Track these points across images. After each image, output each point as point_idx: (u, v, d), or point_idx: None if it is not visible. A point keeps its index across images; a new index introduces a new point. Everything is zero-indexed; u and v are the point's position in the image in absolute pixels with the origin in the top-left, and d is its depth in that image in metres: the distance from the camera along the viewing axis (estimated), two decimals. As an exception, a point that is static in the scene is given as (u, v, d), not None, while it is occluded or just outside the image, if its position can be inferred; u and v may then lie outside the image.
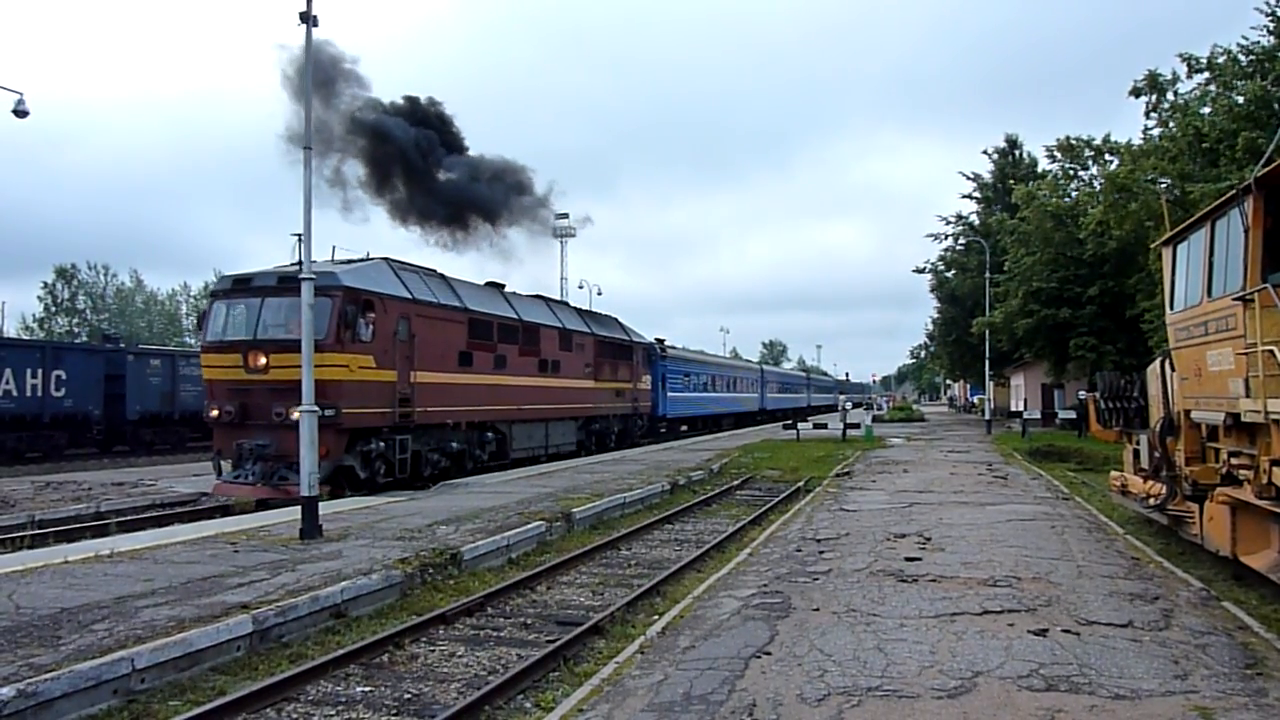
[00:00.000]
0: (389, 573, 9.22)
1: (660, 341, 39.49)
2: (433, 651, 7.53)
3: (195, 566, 9.29)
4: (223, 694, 6.25)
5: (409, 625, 7.97)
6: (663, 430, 38.19)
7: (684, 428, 43.61)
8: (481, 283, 23.45)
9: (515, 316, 22.95)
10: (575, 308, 29.53)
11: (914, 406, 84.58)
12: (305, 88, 12.03)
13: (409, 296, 18.08)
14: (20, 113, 21.23)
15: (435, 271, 20.57)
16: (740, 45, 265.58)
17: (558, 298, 28.83)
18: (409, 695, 6.48)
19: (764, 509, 15.98)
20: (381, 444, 17.12)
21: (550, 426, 24.98)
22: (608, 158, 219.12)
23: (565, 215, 64.28)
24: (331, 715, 6.10)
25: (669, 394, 37.94)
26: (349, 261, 18.20)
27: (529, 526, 12.31)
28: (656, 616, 8.03)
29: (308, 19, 11.78)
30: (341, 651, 7.14)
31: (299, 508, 11.44)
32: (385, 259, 18.70)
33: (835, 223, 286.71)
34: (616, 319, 32.64)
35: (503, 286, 24.13)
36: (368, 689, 6.61)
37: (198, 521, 12.98)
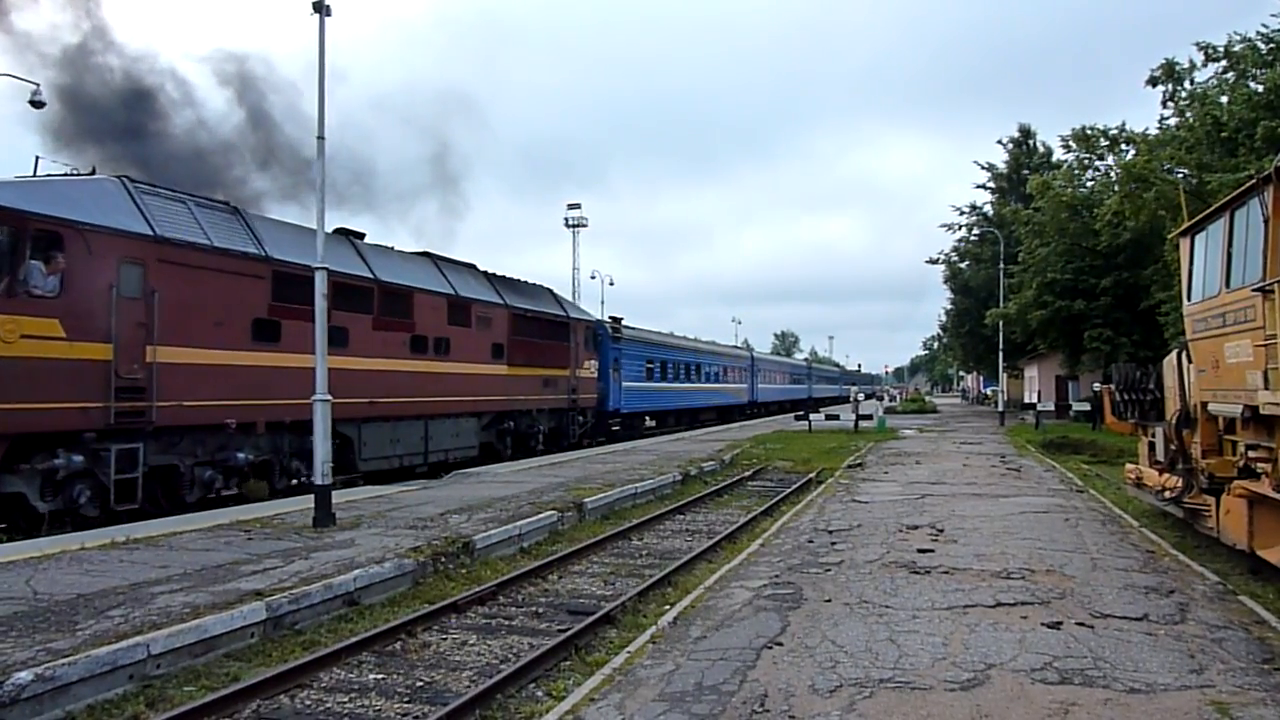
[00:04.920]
0: (401, 561, 9.26)
1: (615, 320, 33.19)
2: (445, 640, 7.56)
3: (210, 553, 9.35)
4: (237, 680, 6.29)
5: (421, 613, 7.99)
6: (615, 428, 31.29)
7: (650, 423, 37.40)
8: (329, 230, 17.70)
9: (368, 275, 17.07)
10: (485, 272, 22.94)
11: (926, 398, 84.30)
12: (319, 80, 11.99)
13: (149, 233, 12.48)
14: (37, 103, 21.31)
15: (225, 204, 14.93)
16: (716, 43, 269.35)
17: (466, 260, 22.33)
18: (421, 683, 6.50)
19: (775, 500, 15.96)
20: (80, 457, 11.53)
21: (433, 426, 18.92)
22: (595, 152, 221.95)
23: (577, 205, 64.73)
24: (344, 702, 6.13)
25: (625, 383, 31.39)
26: (50, 176, 12.74)
27: (541, 516, 12.34)
28: (668, 606, 8.03)
29: (320, 9, 11.78)
30: (354, 639, 7.17)
31: (312, 495, 11.51)
32: (121, 176, 13.14)
33: (828, 216, 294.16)
34: (549, 290, 26.81)
35: (361, 236, 18.37)
36: (380, 676, 6.64)
37: (211, 509, 13.05)
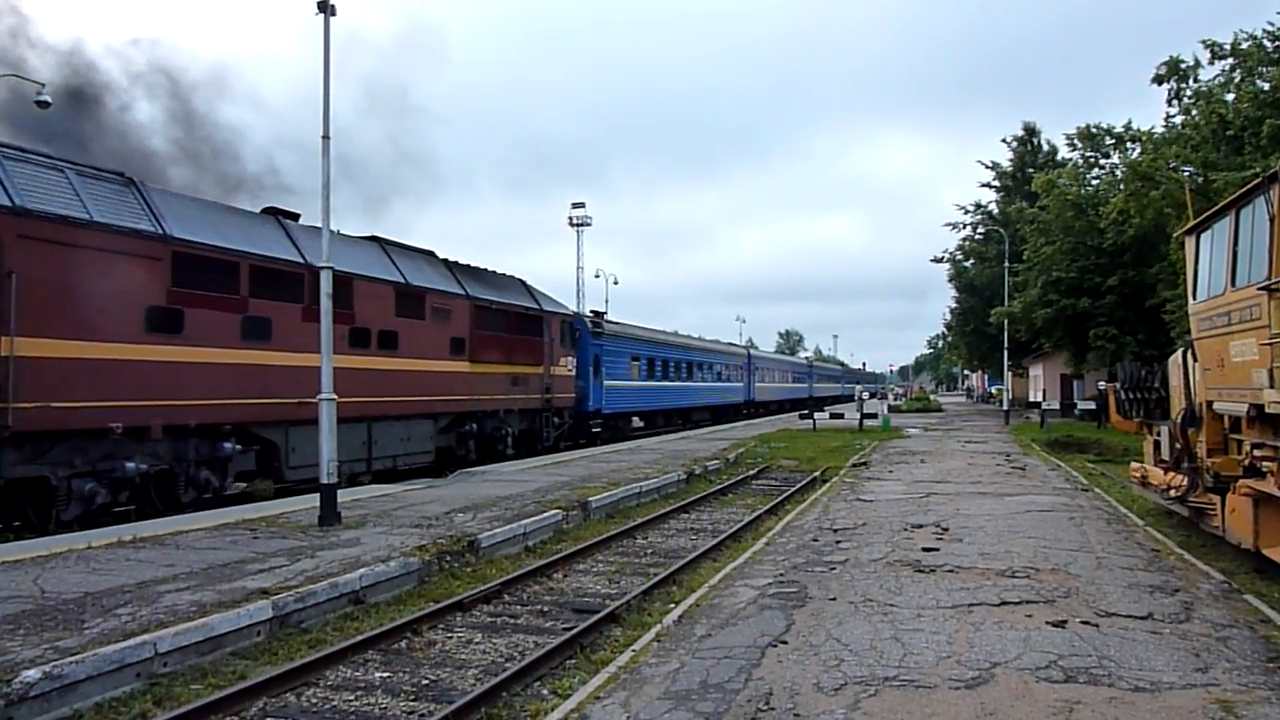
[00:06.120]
0: (407, 560, 9.28)
1: (597, 314, 31.53)
2: (450, 638, 7.58)
3: (216, 552, 9.39)
4: (243, 678, 6.31)
5: (427, 612, 8.02)
6: (596, 430, 29.04)
7: (638, 424, 35.32)
8: (256, 210, 16.35)
9: (298, 260, 15.28)
10: (445, 260, 21.16)
11: (931, 397, 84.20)
12: (324, 78, 12.01)
13: (6, 204, 10.86)
14: (42, 104, 21.30)
15: (119, 175, 13.09)
16: (712, 43, 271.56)
17: (424, 247, 20.73)
18: (427, 681, 6.52)
19: (780, 499, 15.97)
20: None
21: (377, 429, 17.12)
22: (594, 151, 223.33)
23: (582, 204, 64.76)
24: (350, 700, 6.16)
25: (607, 382, 29.59)
26: None
27: (546, 515, 12.35)
28: (673, 605, 8.05)
29: (325, 8, 11.80)
30: (360, 637, 7.20)
31: (318, 495, 11.54)
32: None
33: (829, 215, 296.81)
34: (520, 280, 24.73)
35: (295, 217, 16.57)
36: (386, 674, 6.66)
37: (218, 508, 13.07)
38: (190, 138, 20.62)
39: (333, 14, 11.84)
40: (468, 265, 22.16)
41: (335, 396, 11.76)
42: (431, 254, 20.86)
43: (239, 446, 14.15)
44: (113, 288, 12.01)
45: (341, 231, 17.83)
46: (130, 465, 12.26)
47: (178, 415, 12.88)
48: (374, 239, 19.05)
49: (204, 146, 20.85)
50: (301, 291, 15.26)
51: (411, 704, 6.10)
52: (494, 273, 23.53)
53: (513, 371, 22.50)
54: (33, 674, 5.51)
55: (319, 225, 17.27)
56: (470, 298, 20.76)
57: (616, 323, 33.64)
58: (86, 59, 20.92)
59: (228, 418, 13.80)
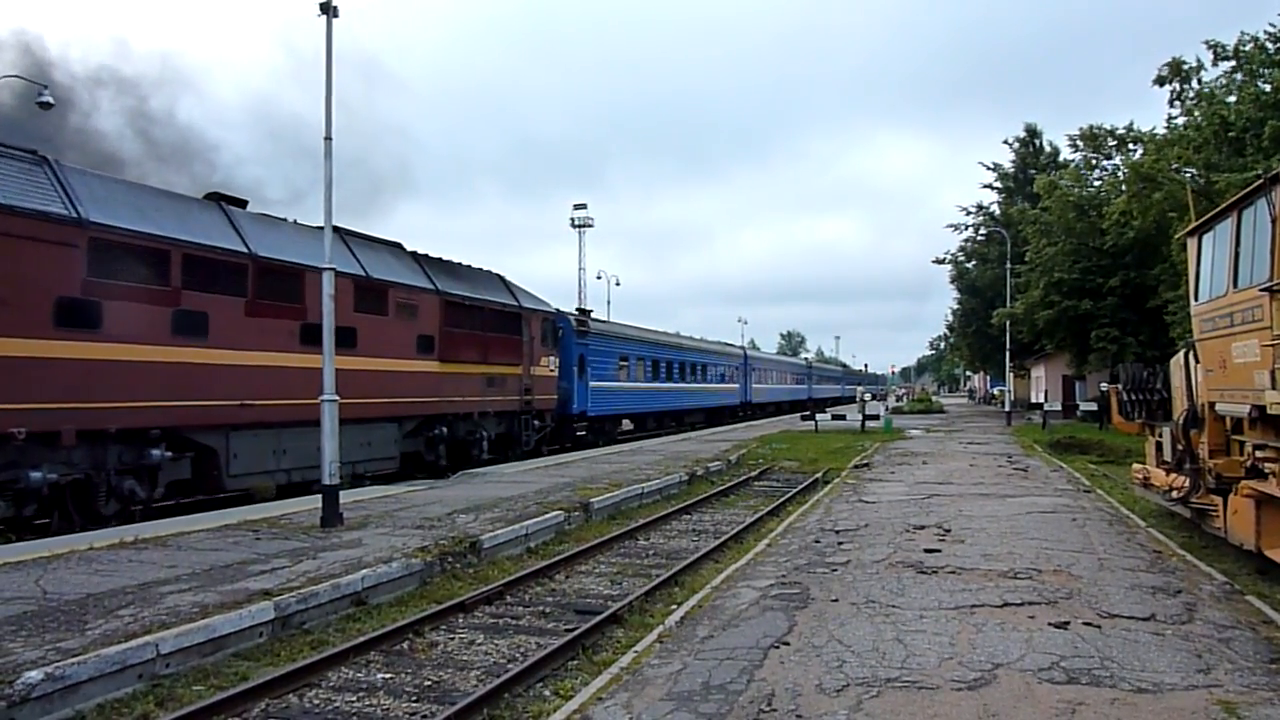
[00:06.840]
0: (409, 561, 9.28)
1: (583, 312, 30.37)
2: (452, 639, 7.58)
3: (218, 553, 9.40)
4: (245, 679, 6.31)
5: (429, 613, 8.02)
6: (581, 433, 27.93)
7: (627, 426, 34.33)
8: (199, 195, 15.06)
9: (240, 250, 14.06)
10: (414, 252, 19.83)
11: (933, 398, 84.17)
12: (326, 80, 12.03)
13: None
14: (44, 104, 21.32)
15: (30, 153, 11.82)
16: (710, 45, 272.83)
17: (390, 239, 19.51)
18: (429, 682, 6.53)
19: (782, 500, 15.96)
20: None
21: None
22: (593, 153, 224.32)
23: (583, 205, 64.74)
24: (353, 701, 6.16)
25: (593, 383, 28.50)
26: None
27: (547, 516, 12.36)
28: (675, 606, 8.05)
29: (328, 9, 11.81)
30: (362, 639, 7.20)
31: (320, 496, 11.55)
32: None
33: (828, 216, 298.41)
34: (499, 276, 23.44)
35: (243, 204, 15.41)
36: (388, 675, 6.66)
37: (220, 509, 13.07)
38: (150, 139, 20.65)
39: (335, 15, 11.85)
40: (439, 259, 20.83)
41: (337, 398, 11.76)
42: (398, 246, 19.63)
43: (170, 453, 12.85)
44: (14, 277, 10.75)
45: (299, 221, 16.73)
46: (36, 475, 11.00)
47: (95, 419, 11.60)
48: (337, 230, 17.51)
49: (172, 150, 20.89)
50: (245, 284, 14.10)
51: (414, 705, 6.10)
52: (469, 267, 22.18)
53: (488, 371, 21.23)
54: (35, 675, 5.51)
55: (273, 215, 16.64)
56: (441, 293, 19.46)
57: (604, 321, 32.60)
58: (45, 58, 20.98)
59: (156, 422, 12.51)
